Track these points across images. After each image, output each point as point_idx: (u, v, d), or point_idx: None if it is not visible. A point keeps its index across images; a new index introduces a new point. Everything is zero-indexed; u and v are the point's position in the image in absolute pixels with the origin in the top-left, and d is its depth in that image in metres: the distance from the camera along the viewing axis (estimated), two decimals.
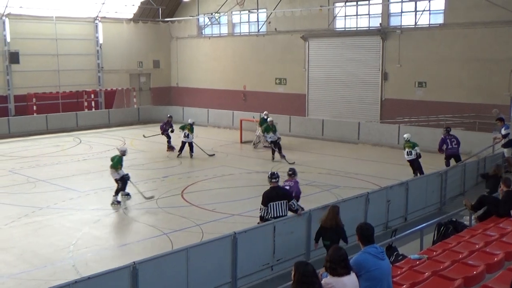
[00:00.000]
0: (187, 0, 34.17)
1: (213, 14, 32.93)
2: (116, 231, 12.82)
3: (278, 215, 10.17)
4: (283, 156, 20.59)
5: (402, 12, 26.43)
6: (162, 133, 23.27)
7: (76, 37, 32.06)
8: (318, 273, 5.34)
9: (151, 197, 15.30)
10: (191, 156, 21.59)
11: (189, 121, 22.13)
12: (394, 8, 26.71)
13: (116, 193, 14.78)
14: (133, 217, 14.02)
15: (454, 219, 10.50)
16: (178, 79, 37.15)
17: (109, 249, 11.66)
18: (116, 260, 10.19)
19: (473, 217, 10.54)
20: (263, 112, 24.14)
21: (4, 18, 29.01)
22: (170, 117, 23.90)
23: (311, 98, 29.89)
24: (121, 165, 15.03)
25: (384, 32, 26.38)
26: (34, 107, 29.99)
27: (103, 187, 16.71)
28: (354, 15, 28.09)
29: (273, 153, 21.00)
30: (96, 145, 24.88)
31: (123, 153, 15.32)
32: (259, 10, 31.21)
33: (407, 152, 16.88)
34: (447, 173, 14.55)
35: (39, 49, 30.27)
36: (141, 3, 33.99)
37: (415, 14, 25.67)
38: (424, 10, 25.17)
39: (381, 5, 26.82)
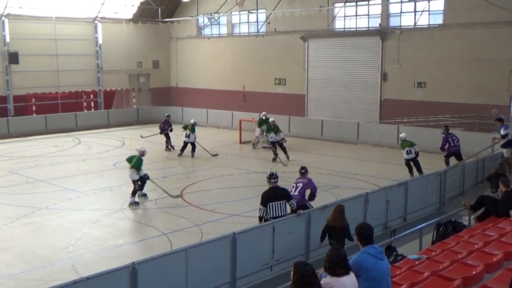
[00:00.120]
0: (187, 0, 34.17)
1: (213, 14, 32.93)
2: (115, 232, 12.81)
3: (277, 215, 10.19)
4: (276, 155, 20.66)
5: (401, 12, 26.44)
6: (161, 133, 23.31)
7: (76, 38, 32.05)
8: (317, 273, 5.34)
9: (178, 195, 15.36)
10: (192, 155, 21.67)
11: (191, 121, 22.30)
12: (393, 8, 26.72)
13: (133, 194, 14.77)
14: (132, 217, 14.01)
15: (453, 219, 10.50)
16: (178, 80, 37.15)
17: (108, 249, 11.64)
18: (115, 261, 10.19)
19: (472, 217, 10.55)
20: (261, 113, 24.15)
21: (3, 18, 29.00)
22: (168, 116, 23.93)
23: (310, 98, 29.90)
24: (141, 165, 15.10)
25: (384, 32, 26.38)
26: (34, 108, 29.97)
27: (102, 188, 16.72)
28: (354, 16, 28.09)
29: (275, 154, 20.89)
30: (95, 145, 24.87)
31: (143, 153, 15.38)
32: (259, 11, 31.20)
33: (407, 151, 17.11)
34: (446, 173, 14.56)
35: (38, 50, 30.26)
36: (141, 3, 33.99)
37: (415, 15, 25.66)
38: (423, 11, 25.18)
39: (380, 5, 26.83)
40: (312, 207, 11.38)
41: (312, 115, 29.36)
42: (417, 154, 17.19)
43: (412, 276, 6.80)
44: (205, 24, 35.32)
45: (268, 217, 10.19)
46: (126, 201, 15.05)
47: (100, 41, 33.26)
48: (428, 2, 24.99)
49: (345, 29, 28.52)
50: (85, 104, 32.56)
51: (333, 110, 28.61)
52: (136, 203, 14.66)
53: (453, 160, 17.30)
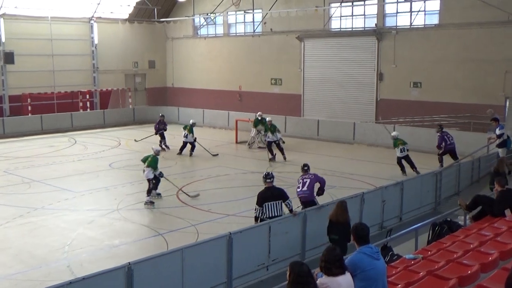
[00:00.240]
0: (183, 0, 34.14)
1: (209, 14, 32.92)
2: (111, 232, 12.78)
3: (273, 215, 10.19)
4: (274, 155, 20.65)
5: (397, 12, 26.50)
6: (156, 133, 23.31)
7: (71, 38, 31.97)
8: (313, 273, 5.35)
9: (197, 195, 15.39)
10: (191, 154, 21.87)
11: (190, 122, 22.41)
12: (389, 8, 26.78)
13: (149, 193, 14.85)
14: (128, 217, 13.97)
15: (449, 219, 10.52)
16: (174, 80, 37.10)
17: (104, 249, 11.62)
18: (111, 261, 10.18)
19: (467, 217, 10.57)
20: (257, 113, 24.15)
21: None
22: (162, 116, 23.95)
23: (306, 98, 29.92)
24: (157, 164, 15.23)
25: (380, 32, 26.43)
26: (29, 108, 29.85)
27: (98, 188, 16.68)
28: (350, 16, 28.13)
29: (272, 154, 20.86)
30: (91, 145, 24.80)
31: (158, 152, 15.58)
32: (255, 11, 31.23)
33: (401, 149, 17.54)
34: (442, 173, 14.60)
35: (34, 50, 30.16)
36: (137, 3, 33.93)
37: (411, 15, 25.72)
38: (419, 11, 25.24)
39: (376, 5, 26.88)
40: (319, 203, 11.37)
41: (308, 115, 29.38)
42: (407, 151, 17.85)
43: (408, 275, 6.82)
44: (201, 24, 35.31)
45: (264, 217, 10.21)
46: (122, 201, 15.06)
47: (96, 41, 33.19)
48: (424, 2, 25.05)
49: (341, 29, 28.55)
50: (81, 104, 32.48)
51: (329, 110, 28.64)
52: (152, 203, 14.73)
53: (447, 159, 17.46)
